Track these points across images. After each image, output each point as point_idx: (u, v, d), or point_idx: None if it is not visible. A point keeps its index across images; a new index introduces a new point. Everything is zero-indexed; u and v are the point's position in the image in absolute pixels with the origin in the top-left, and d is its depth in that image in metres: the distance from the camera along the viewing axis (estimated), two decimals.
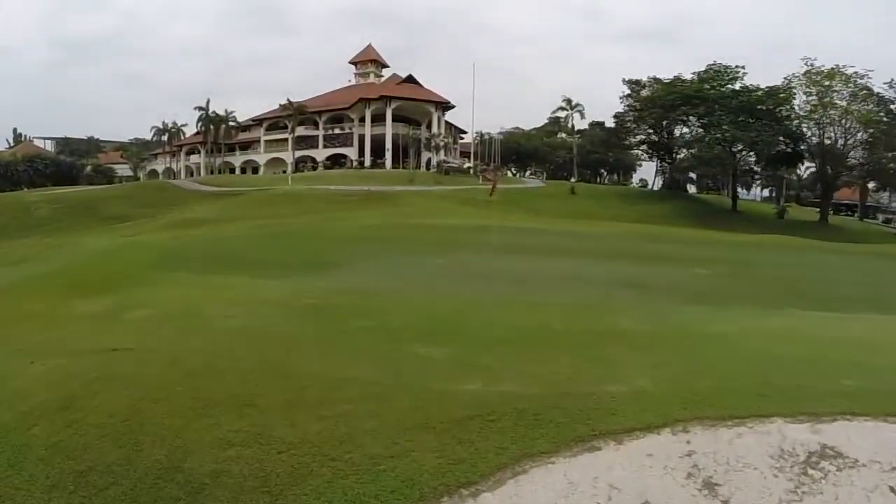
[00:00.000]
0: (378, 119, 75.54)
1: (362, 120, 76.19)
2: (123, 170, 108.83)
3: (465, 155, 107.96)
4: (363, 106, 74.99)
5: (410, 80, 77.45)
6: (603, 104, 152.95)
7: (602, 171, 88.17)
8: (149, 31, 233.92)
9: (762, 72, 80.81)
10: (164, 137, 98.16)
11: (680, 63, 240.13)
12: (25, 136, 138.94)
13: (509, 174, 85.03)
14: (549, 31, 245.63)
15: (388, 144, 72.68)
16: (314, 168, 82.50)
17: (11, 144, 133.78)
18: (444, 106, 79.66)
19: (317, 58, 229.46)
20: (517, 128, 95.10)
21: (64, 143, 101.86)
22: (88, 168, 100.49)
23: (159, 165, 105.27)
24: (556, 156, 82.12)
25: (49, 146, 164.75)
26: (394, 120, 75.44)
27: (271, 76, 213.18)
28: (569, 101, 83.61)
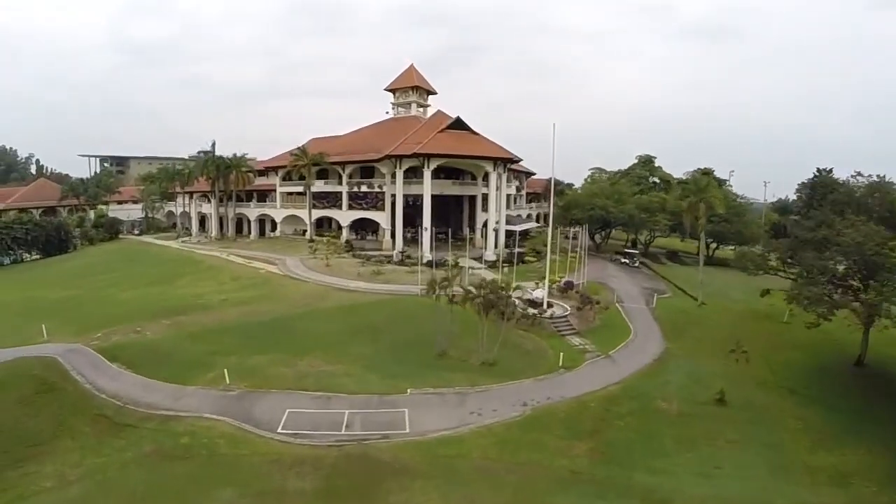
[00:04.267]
0: (415, 173, 55.58)
1: (395, 174, 56.39)
2: (138, 211, 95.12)
3: (532, 200, 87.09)
4: (393, 163, 55.38)
5: (459, 124, 56.59)
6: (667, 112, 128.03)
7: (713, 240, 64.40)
8: (208, 34, 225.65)
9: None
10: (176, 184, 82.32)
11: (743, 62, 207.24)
12: (46, 167, 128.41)
13: (588, 240, 63.36)
14: (613, 28, 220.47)
15: (427, 221, 52.70)
16: (337, 234, 64.36)
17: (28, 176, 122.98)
18: (507, 161, 58.58)
19: (373, 58, 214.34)
20: (598, 170, 72.93)
21: (69, 188, 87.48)
22: (91, 217, 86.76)
23: (178, 207, 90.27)
24: (653, 221, 59.86)
25: (95, 164, 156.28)
26: (437, 176, 55.52)
27: (329, 77, 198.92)
28: (707, 173, 62.18)
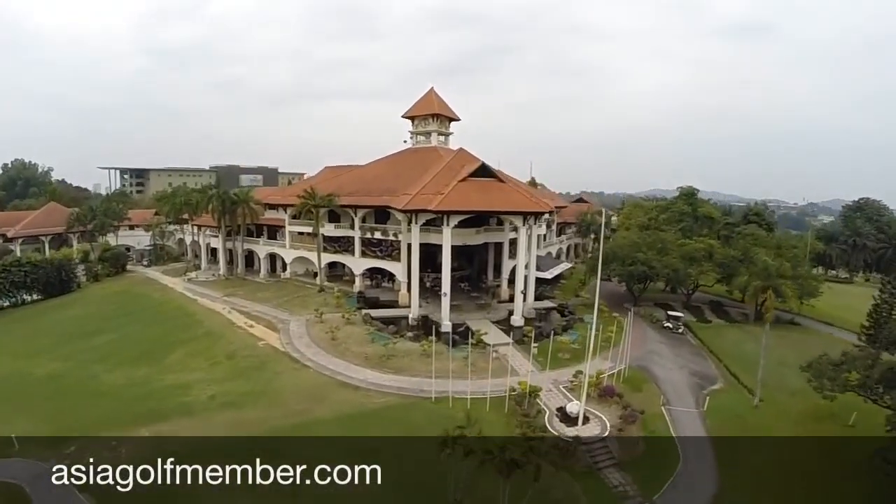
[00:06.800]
0: (434, 221, 50.09)
1: (411, 225, 51.07)
2: (148, 238, 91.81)
3: (564, 230, 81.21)
4: (408, 216, 50.26)
5: (484, 171, 50.68)
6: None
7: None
8: (237, 37, 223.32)
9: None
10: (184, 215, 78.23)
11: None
12: (63, 179, 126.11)
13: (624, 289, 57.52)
14: (644, 29, 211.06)
15: (446, 286, 47.31)
16: (351, 280, 59.98)
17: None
18: (538, 214, 52.67)
19: (401, 60, 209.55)
20: (635, 204, 66.70)
21: (75, 219, 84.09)
22: (99, 242, 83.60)
23: (187, 236, 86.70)
24: (698, 272, 53.83)
25: (114, 177, 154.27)
26: (459, 224, 49.80)
27: (358, 79, 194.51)
28: (757, 214, 55.62)
